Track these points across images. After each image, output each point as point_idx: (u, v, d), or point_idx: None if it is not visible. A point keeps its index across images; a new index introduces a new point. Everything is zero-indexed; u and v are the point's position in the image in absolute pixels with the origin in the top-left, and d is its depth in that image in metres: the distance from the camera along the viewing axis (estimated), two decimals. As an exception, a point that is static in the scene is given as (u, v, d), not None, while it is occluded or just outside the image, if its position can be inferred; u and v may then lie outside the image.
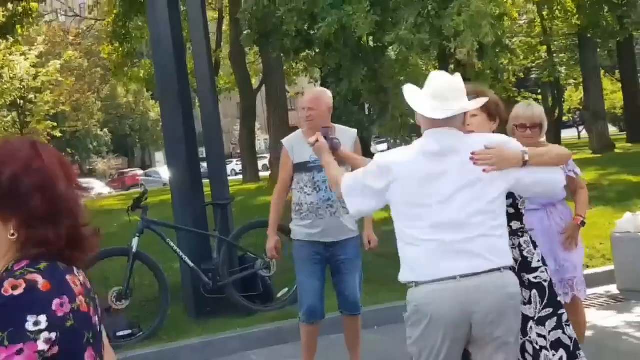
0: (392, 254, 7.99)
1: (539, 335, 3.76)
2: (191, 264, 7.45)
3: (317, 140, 4.09)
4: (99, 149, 60.92)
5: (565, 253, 4.97)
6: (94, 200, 26.37)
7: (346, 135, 5.39)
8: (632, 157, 18.66)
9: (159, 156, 55.67)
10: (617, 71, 32.46)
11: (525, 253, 3.87)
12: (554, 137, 36.82)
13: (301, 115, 5.38)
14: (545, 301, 3.84)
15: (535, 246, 3.93)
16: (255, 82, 29.81)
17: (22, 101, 30.42)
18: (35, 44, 28.19)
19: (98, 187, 43.98)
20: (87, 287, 1.88)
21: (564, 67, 33.48)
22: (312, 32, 13.01)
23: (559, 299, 4.70)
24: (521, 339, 3.57)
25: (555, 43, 32.79)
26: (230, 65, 26.50)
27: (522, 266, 3.81)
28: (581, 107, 37.99)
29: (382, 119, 15.11)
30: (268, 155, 26.65)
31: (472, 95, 3.58)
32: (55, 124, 32.68)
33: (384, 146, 36.84)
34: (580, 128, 42.67)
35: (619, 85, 31.95)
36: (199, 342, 6.99)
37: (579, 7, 22.51)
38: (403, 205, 3.30)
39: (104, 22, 27.33)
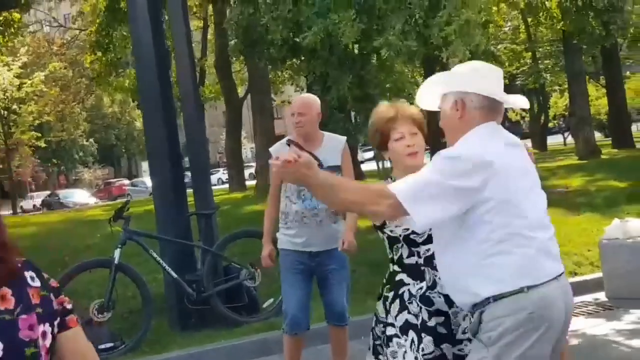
0: (378, 261, 7.97)
1: None
2: (174, 275, 7.34)
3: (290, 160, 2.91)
4: (85, 159, 60.71)
5: None
6: (79, 210, 26.22)
7: (335, 143, 5.36)
8: (618, 162, 18.68)
9: (146, 166, 55.38)
10: (601, 77, 32.57)
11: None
12: (540, 144, 37.07)
13: (290, 121, 5.29)
14: None
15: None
16: (241, 90, 29.73)
17: (5, 112, 30.22)
18: (19, 54, 27.98)
19: (84, 197, 43.89)
20: None
21: (549, 74, 33.64)
22: (297, 40, 12.92)
23: None
24: None
25: (540, 49, 32.96)
26: (216, 74, 26.42)
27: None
28: (566, 113, 38.14)
29: (368, 126, 15.05)
30: (254, 164, 26.55)
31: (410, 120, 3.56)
32: (40, 135, 32.48)
33: (371, 154, 36.83)
34: (566, 134, 42.77)
35: (604, 91, 32.07)
36: (183, 354, 6.86)
37: (565, 13, 22.55)
38: (501, 202, 2.83)
39: (87, 31, 27.17)
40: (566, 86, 28.48)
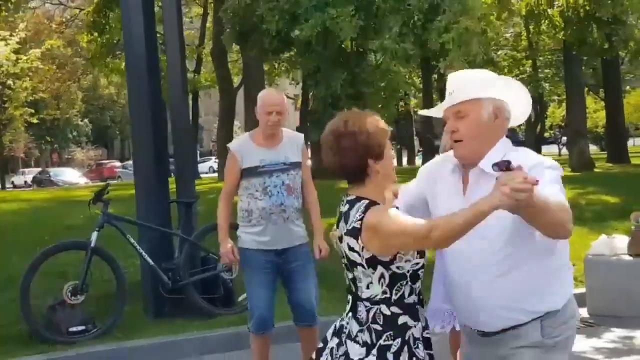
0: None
1: None
2: (151, 262, 7.23)
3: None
4: (78, 139, 60.62)
5: None
6: (67, 189, 26.06)
7: (295, 139, 5.28)
8: (611, 177, 18.60)
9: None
10: (601, 90, 32.55)
11: None
12: (535, 152, 37.04)
13: (266, 119, 5.06)
14: None
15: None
16: (237, 80, 29.63)
17: (0, 86, 30.03)
18: (17, 30, 27.77)
19: (74, 176, 43.74)
20: None
21: (548, 83, 33.59)
22: (291, 33, 12.81)
23: None
24: None
25: (541, 58, 32.89)
26: (212, 62, 26.33)
27: None
28: (563, 124, 38.15)
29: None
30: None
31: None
32: (33, 111, 32.31)
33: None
34: (561, 145, 42.79)
35: (602, 104, 32.04)
36: (154, 342, 6.78)
37: (567, 22, 22.46)
38: None
39: (85, 11, 27.05)
40: (565, 97, 28.43)
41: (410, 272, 2.80)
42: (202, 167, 41.18)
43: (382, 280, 2.77)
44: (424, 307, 2.89)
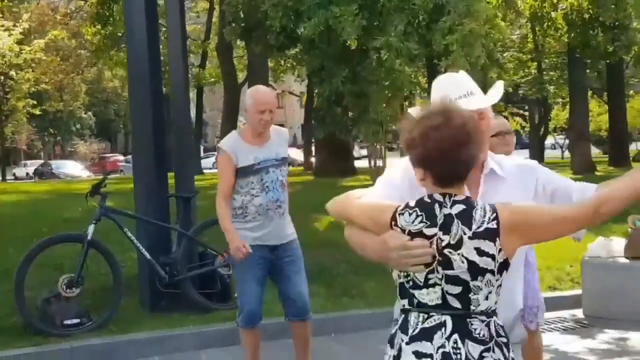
0: (355, 261, 7.88)
1: None
2: (148, 256, 7.24)
3: None
4: (81, 132, 60.64)
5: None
6: (69, 182, 26.09)
7: (282, 135, 5.33)
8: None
9: (142, 143, 55.15)
10: (605, 93, 32.52)
11: None
12: (538, 155, 36.98)
13: (259, 118, 5.06)
14: None
15: (389, 345, 2.60)
16: (242, 76, 29.64)
17: (2, 77, 30.03)
18: (21, 20, 27.78)
19: (76, 169, 43.79)
20: None
21: (553, 86, 33.56)
22: (297, 29, 12.82)
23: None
24: None
25: (546, 60, 32.86)
26: (217, 57, 26.34)
27: None
28: (567, 127, 38.11)
29: (360, 122, 14.94)
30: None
31: None
32: (36, 102, 32.33)
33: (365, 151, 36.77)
34: (564, 147, 42.77)
35: (606, 107, 32.02)
36: (149, 336, 6.79)
37: (570, 25, 22.46)
38: None
39: (89, 3, 27.06)
40: (568, 99, 28.44)
41: None
42: (206, 162, 41.16)
43: (499, 288, 2.53)
44: None
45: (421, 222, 2.48)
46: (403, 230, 2.49)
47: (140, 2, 7.60)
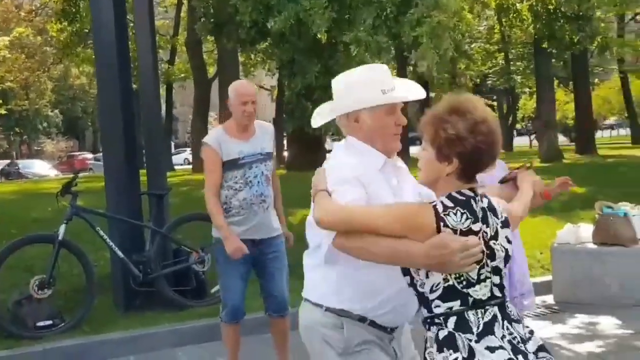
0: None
1: None
2: (121, 255, 7.20)
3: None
4: (48, 130, 59.87)
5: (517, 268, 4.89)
6: (36, 182, 25.79)
7: (267, 129, 5.35)
8: (578, 167, 18.84)
9: (111, 141, 54.78)
10: (570, 82, 32.88)
11: (426, 354, 2.63)
12: (507, 144, 37.34)
13: (242, 109, 5.07)
14: None
15: (440, 349, 2.56)
16: (212, 71, 29.49)
17: (-35, 75, 29.65)
18: (-15, 18, 27.41)
19: (44, 168, 43.26)
20: None
21: (520, 76, 33.89)
22: (267, 23, 12.80)
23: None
24: None
25: (513, 51, 33.16)
26: (186, 52, 26.20)
27: None
28: (534, 116, 38.50)
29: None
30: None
31: (429, 120, 2.66)
32: (1, 101, 31.89)
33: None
34: (532, 136, 43.19)
35: (572, 96, 32.39)
36: (124, 336, 6.74)
37: (536, 17, 22.70)
38: None
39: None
40: (535, 89, 28.72)
41: None
42: (177, 158, 40.98)
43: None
44: None
45: (467, 219, 2.53)
46: (455, 231, 2.51)
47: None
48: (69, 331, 6.74)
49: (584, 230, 7.90)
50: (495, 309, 2.56)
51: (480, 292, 2.55)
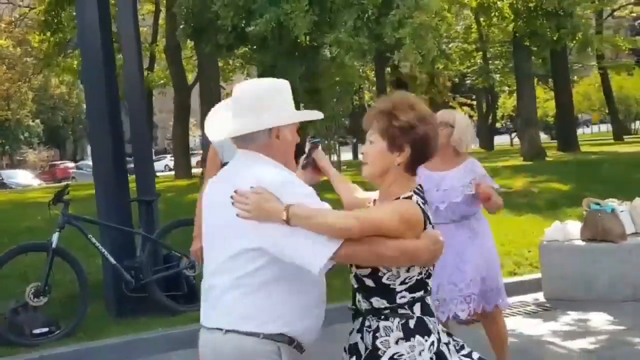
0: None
1: None
2: (113, 261, 7.23)
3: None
4: (30, 140, 59.47)
5: (471, 266, 4.91)
6: (21, 192, 25.68)
7: None
8: (562, 165, 18.97)
9: (92, 149, 54.72)
10: (550, 80, 33.10)
11: (378, 343, 2.69)
12: (487, 143, 37.58)
13: None
14: None
15: (407, 337, 2.68)
16: (191, 77, 29.44)
17: (-52, 87, 29.47)
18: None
19: (27, 178, 43.01)
20: None
21: (499, 74, 34.09)
22: (247, 28, 12.83)
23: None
24: None
25: (491, 50, 33.35)
26: (165, 59, 26.14)
27: (369, 357, 2.73)
28: (514, 114, 38.72)
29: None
30: (201, 152, 26.37)
31: (379, 113, 2.80)
32: (-17, 113, 31.77)
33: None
34: (513, 135, 43.42)
35: (552, 93, 32.60)
36: (118, 341, 6.79)
37: (516, 14, 22.84)
38: None
39: (36, 10, 26.65)
40: (515, 87, 28.85)
41: None
42: (158, 165, 40.82)
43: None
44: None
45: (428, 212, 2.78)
46: (433, 225, 2.77)
47: (93, 7, 7.56)
48: (65, 338, 6.78)
49: (572, 227, 7.97)
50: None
51: (430, 280, 2.78)
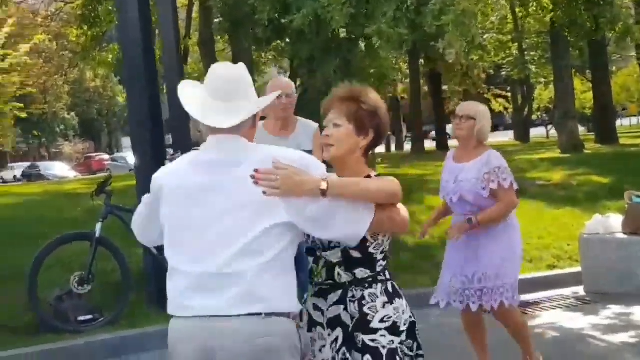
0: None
1: None
2: (154, 252, 7.29)
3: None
4: (66, 133, 60.46)
5: (482, 263, 4.88)
6: (59, 183, 26.02)
7: (309, 128, 5.30)
8: (601, 157, 18.74)
9: (126, 141, 55.40)
10: (587, 71, 32.65)
11: (366, 309, 2.89)
12: (523, 136, 37.20)
13: (277, 102, 5.01)
14: None
15: (390, 300, 2.93)
16: (224, 70, 29.59)
17: (-13, 82, 29.87)
18: (5, 25, 27.62)
19: (64, 170, 43.65)
20: None
21: (535, 66, 33.68)
22: (284, 21, 12.84)
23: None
24: None
25: (527, 41, 32.97)
26: (199, 52, 26.28)
27: (358, 324, 2.88)
28: (551, 106, 38.28)
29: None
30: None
31: (345, 98, 2.95)
32: (22, 106, 32.17)
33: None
34: (549, 127, 42.92)
35: (590, 85, 32.15)
36: (159, 330, 6.80)
37: (555, 4, 22.50)
38: (167, 227, 2.77)
39: (73, 4, 26.95)
40: (551, 78, 28.47)
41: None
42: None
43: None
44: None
45: None
46: None
47: (134, 2, 7.62)
48: (108, 325, 6.90)
49: (613, 220, 7.89)
50: None
51: None
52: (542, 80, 37.23)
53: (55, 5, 33.63)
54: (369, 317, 2.88)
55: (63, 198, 14.77)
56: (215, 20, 15.77)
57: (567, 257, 8.75)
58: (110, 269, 7.55)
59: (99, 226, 6.99)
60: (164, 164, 7.71)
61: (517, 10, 28.29)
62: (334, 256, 2.90)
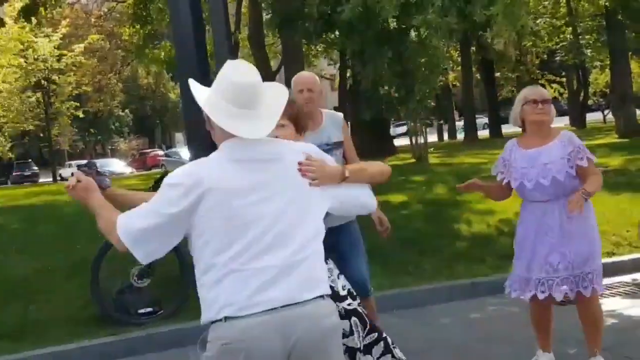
0: (409, 238, 7.96)
1: None
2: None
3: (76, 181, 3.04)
4: (120, 130, 61.46)
5: (572, 248, 4.80)
6: (116, 179, 26.49)
7: (335, 119, 5.31)
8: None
9: (179, 137, 56.13)
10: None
11: (330, 282, 3.09)
12: (580, 120, 36.57)
13: (299, 97, 5.03)
14: (366, 327, 3.47)
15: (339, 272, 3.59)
16: (274, 64, 29.74)
17: (45, 82, 30.57)
18: (60, 26, 28.33)
19: (120, 166, 44.39)
20: None
21: (590, 49, 33.06)
22: (334, 14, 12.87)
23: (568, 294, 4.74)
24: None
25: (581, 24, 32.38)
26: (249, 47, 26.47)
27: (332, 296, 2.95)
28: (607, 90, 37.51)
29: (409, 101, 14.93)
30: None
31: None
32: (79, 105, 32.88)
33: (404, 129, 36.57)
34: (606, 112, 42.07)
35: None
36: (219, 323, 6.94)
37: (610, -14, 22.09)
38: (216, 229, 2.70)
39: (125, 3, 27.41)
40: (607, 62, 27.91)
41: None
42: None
43: None
44: None
45: None
46: None
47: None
48: (167, 318, 7.01)
49: (674, 205, 7.74)
50: None
51: None
52: (598, 64, 36.52)
53: (108, 4, 34.22)
54: (335, 289, 3.38)
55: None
56: (265, 16, 15.87)
57: (626, 243, 8.59)
58: (170, 262, 7.67)
59: (158, 221, 7.09)
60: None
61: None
62: None
